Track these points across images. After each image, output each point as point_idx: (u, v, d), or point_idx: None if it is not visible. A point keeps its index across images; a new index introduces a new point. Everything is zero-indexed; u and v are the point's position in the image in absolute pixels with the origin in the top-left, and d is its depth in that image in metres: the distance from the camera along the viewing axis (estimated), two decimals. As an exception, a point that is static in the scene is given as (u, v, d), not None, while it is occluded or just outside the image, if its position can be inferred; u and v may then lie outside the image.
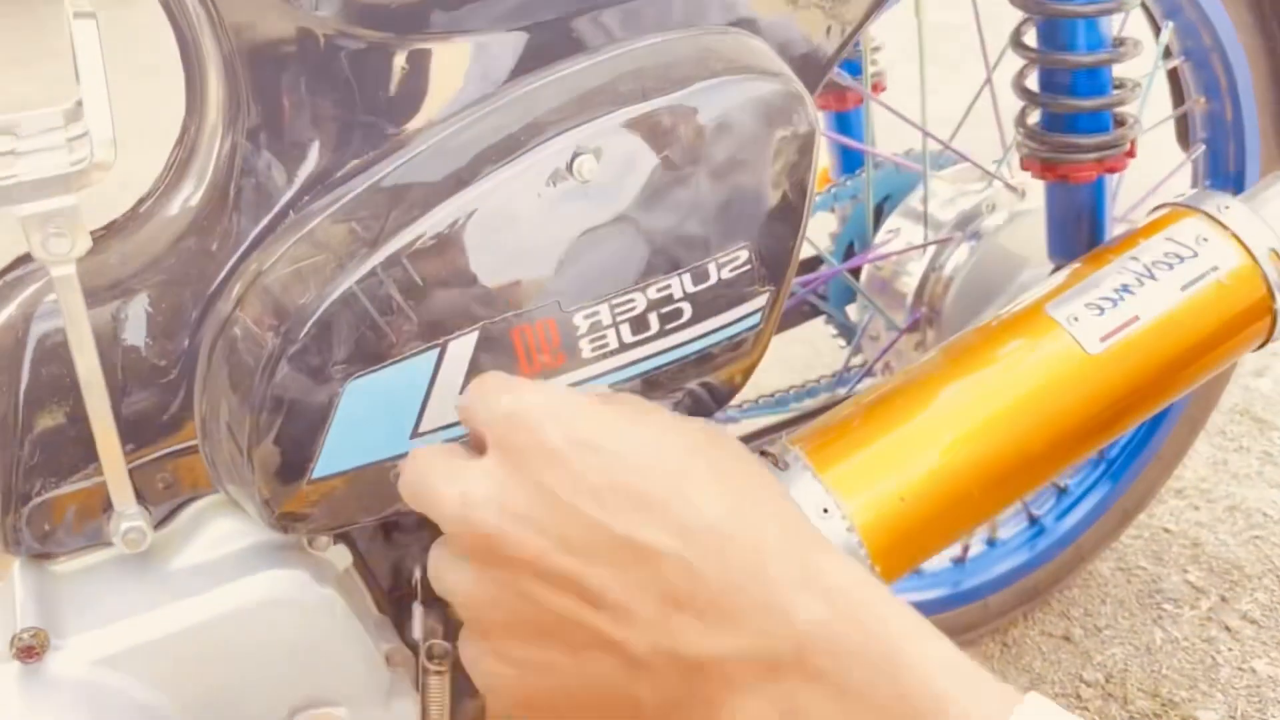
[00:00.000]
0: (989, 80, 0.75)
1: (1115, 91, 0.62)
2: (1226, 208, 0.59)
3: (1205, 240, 0.58)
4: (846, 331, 0.89)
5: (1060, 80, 0.62)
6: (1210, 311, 0.57)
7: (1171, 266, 0.57)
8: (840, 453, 0.55)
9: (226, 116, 0.48)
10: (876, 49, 0.87)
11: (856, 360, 0.88)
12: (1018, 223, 0.78)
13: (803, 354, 1.39)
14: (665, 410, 0.41)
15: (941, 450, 0.55)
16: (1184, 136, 0.91)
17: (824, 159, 0.96)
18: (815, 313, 0.90)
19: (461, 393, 0.45)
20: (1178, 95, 0.88)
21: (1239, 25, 0.81)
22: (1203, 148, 0.88)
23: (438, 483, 0.39)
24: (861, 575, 0.34)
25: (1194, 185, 0.91)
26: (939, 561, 0.94)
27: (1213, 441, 1.20)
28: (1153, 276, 0.57)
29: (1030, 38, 0.63)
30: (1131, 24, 0.80)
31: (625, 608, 0.33)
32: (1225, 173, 0.88)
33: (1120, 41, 0.62)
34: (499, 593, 0.36)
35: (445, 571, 0.39)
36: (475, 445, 0.41)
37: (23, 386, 0.48)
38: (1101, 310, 0.56)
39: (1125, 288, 0.57)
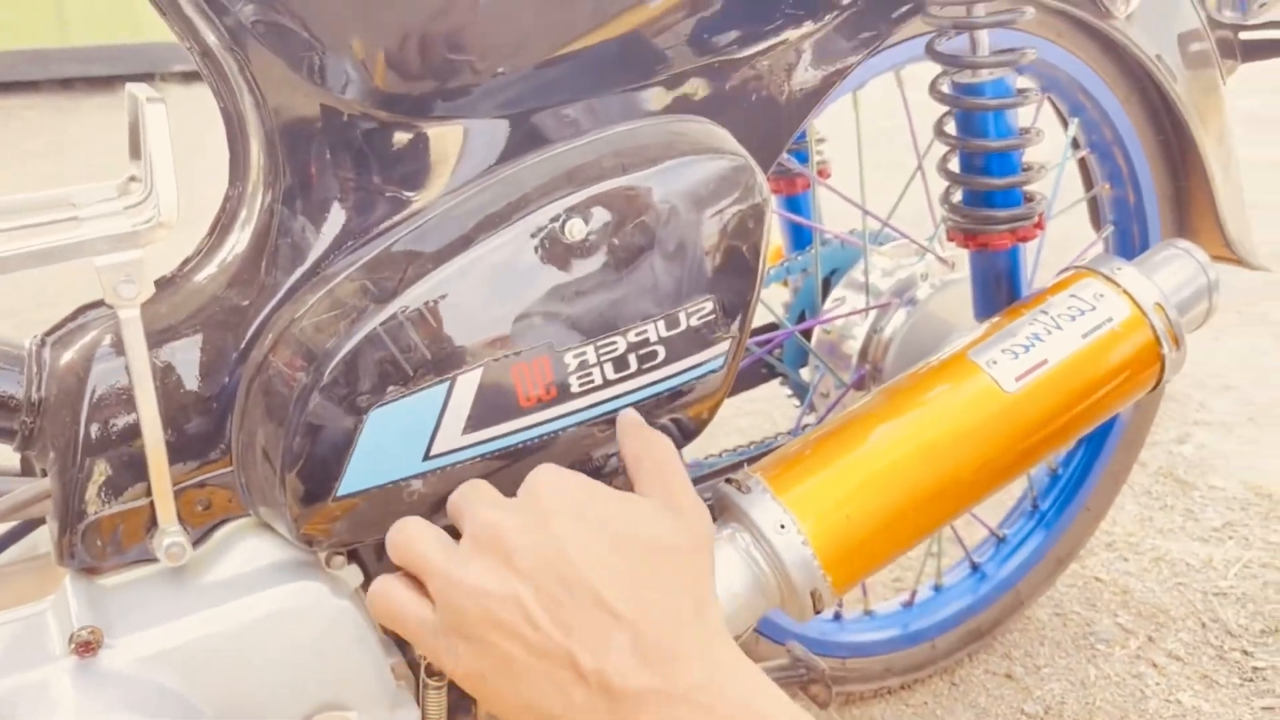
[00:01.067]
0: (920, 167, 0.86)
1: (1024, 172, 0.73)
2: (1119, 269, 0.69)
3: (1102, 296, 0.67)
4: (800, 391, 0.97)
5: (977, 163, 0.73)
6: (1107, 355, 0.66)
7: (1074, 318, 0.66)
8: (795, 478, 0.63)
9: (266, 182, 0.56)
10: (822, 140, 0.98)
11: (810, 419, 0.96)
12: (948, 290, 0.87)
13: (762, 424, 1.48)
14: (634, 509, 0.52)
15: (882, 475, 0.63)
16: (1096, 218, 1.02)
17: (777, 237, 1.06)
18: (773, 374, 0.99)
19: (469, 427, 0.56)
20: (1088, 182, 1.00)
21: (1135, 123, 0.92)
22: (1112, 228, 0.99)
23: (428, 547, 0.51)
24: (739, 657, 0.48)
25: (1106, 261, 1.02)
26: (889, 605, 1.01)
27: (1140, 500, 1.29)
28: (1059, 326, 0.66)
29: (951, 127, 0.74)
30: (1048, 119, 0.92)
31: (583, 632, 0.46)
32: (1132, 251, 0.99)
33: (1026, 130, 0.72)
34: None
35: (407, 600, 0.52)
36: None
37: (83, 420, 0.55)
38: (1016, 355, 0.65)
39: (1036, 336, 0.66)
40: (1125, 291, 0.67)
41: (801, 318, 0.96)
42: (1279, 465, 1.37)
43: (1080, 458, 1.06)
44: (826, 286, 0.96)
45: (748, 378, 0.98)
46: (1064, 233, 1.00)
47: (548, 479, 0.52)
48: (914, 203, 0.95)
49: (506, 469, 0.59)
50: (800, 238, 1.00)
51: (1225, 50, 0.94)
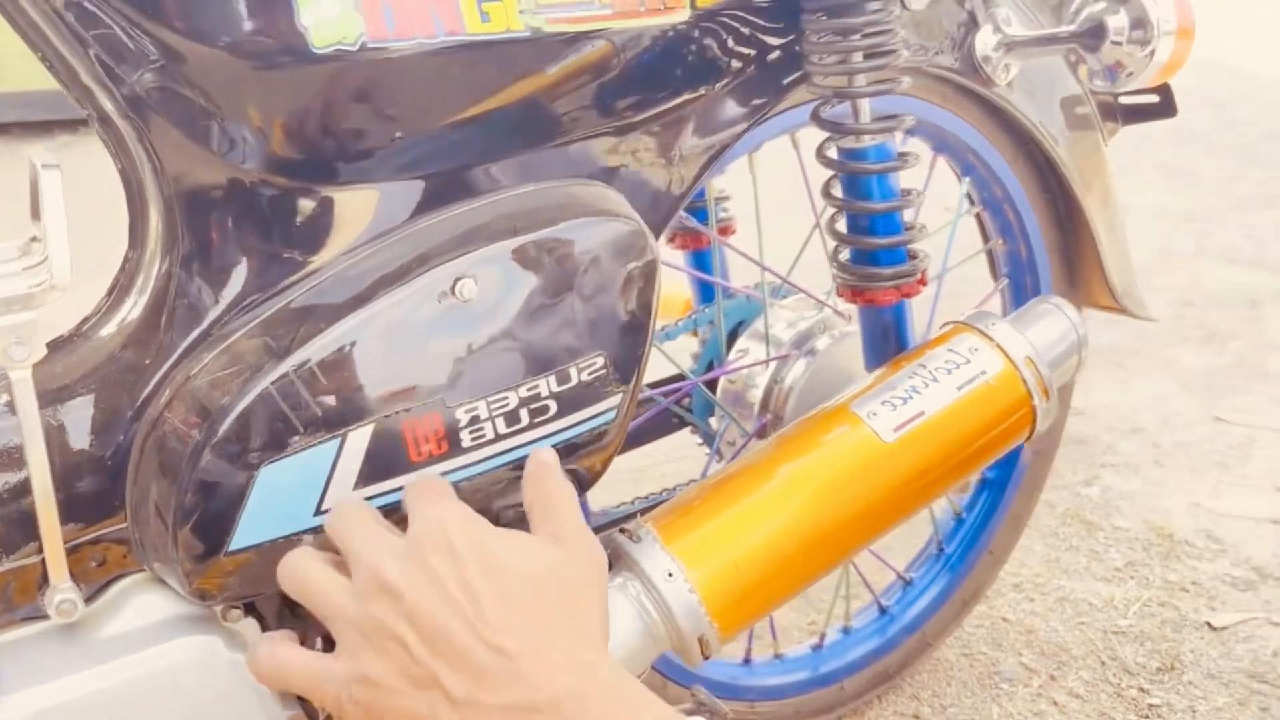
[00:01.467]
0: (817, 225, 0.89)
1: (907, 232, 0.76)
2: (993, 325, 0.72)
3: (976, 350, 0.71)
4: (709, 439, 1.00)
5: (862, 224, 0.76)
6: (981, 407, 0.69)
7: (950, 371, 0.70)
8: (685, 527, 0.65)
9: (164, 246, 0.58)
10: (726, 198, 1.01)
11: (717, 466, 0.99)
12: (844, 342, 0.91)
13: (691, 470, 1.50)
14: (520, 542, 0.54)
15: (767, 524, 0.65)
16: (994, 269, 1.06)
17: (687, 290, 1.09)
18: (683, 423, 1.01)
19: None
20: (985, 236, 1.04)
21: (1023, 182, 0.97)
22: (1007, 280, 1.04)
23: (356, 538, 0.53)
24: (619, 672, 0.51)
25: (1004, 313, 1.06)
26: (799, 649, 1.03)
27: (1047, 542, 1.33)
28: (936, 379, 0.70)
29: (837, 190, 0.77)
30: (946, 177, 0.96)
31: (459, 660, 0.48)
32: (1026, 301, 1.03)
33: (908, 192, 0.76)
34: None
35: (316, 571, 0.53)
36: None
37: (-27, 485, 0.55)
38: (895, 407, 0.68)
39: (914, 389, 0.69)
40: (998, 346, 0.71)
41: (710, 367, 0.99)
42: (1180, 506, 1.42)
43: (983, 502, 1.09)
44: (733, 338, 0.99)
45: (658, 427, 1.01)
46: (984, 281, 1.04)
47: (429, 517, 0.53)
48: (817, 256, 0.98)
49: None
50: (707, 291, 1.03)
51: (1107, 113, 0.99)
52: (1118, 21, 0.78)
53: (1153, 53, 0.78)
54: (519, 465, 0.63)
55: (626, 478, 1.45)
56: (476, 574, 0.50)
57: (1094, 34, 0.80)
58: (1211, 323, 2.01)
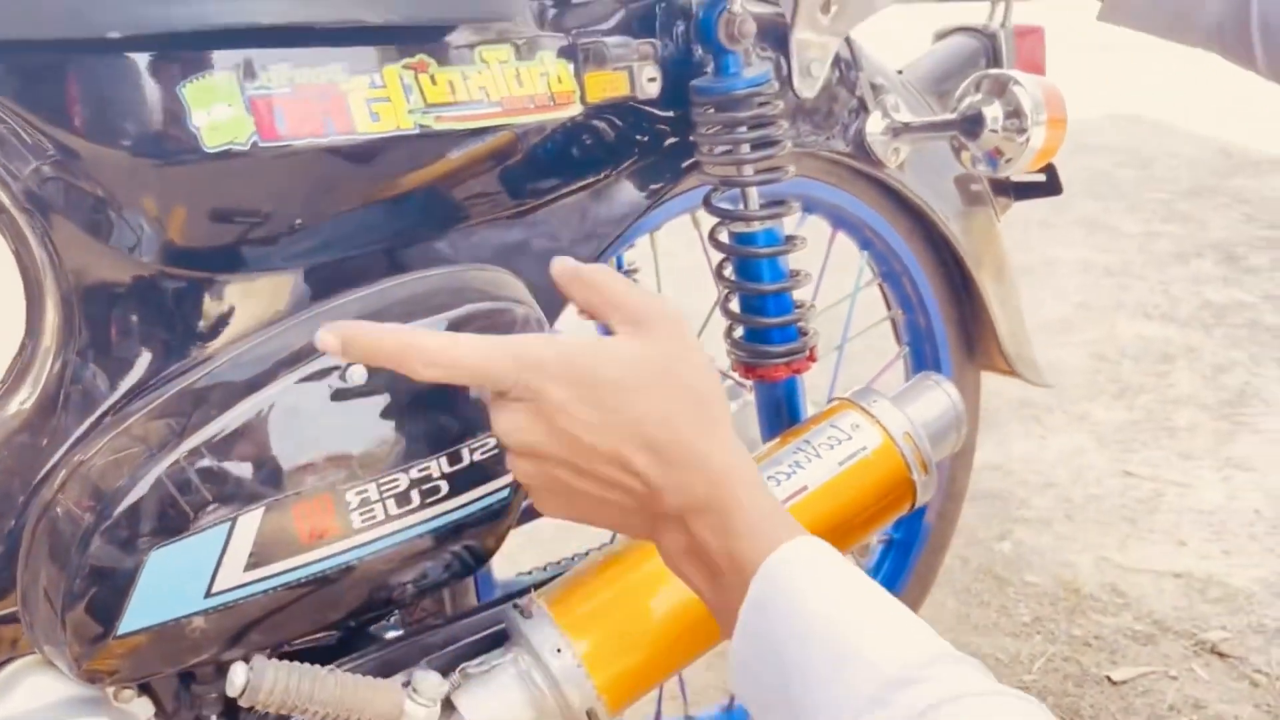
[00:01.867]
0: (718, 301, 0.93)
1: (797, 311, 0.80)
2: (875, 401, 0.76)
3: (858, 426, 0.74)
4: (620, 505, 1.02)
5: (754, 303, 0.79)
6: (861, 481, 0.72)
7: (832, 447, 0.73)
8: (576, 602, 0.67)
9: (60, 339, 0.59)
10: (635, 271, 1.04)
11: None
12: (746, 411, 0.94)
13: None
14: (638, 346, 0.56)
15: (657, 598, 0.67)
16: (897, 338, 1.10)
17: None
18: (595, 490, 1.04)
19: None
20: (888, 306, 1.08)
21: (919, 256, 1.01)
22: (908, 348, 1.08)
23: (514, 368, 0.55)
24: (741, 467, 0.56)
25: (907, 379, 1.10)
26: (709, 710, 1.05)
27: (960, 597, 1.37)
28: (818, 455, 0.73)
29: (730, 271, 0.81)
30: (847, 248, 1.00)
31: (616, 482, 0.55)
32: (926, 368, 1.07)
33: (796, 273, 0.80)
34: (539, 474, 0.56)
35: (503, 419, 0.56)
36: None
37: None
38: (779, 481, 0.71)
39: (797, 463, 0.72)
40: (879, 422, 0.74)
41: (622, 434, 1.01)
42: (1088, 560, 1.46)
43: (890, 563, 1.13)
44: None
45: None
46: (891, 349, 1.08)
47: (529, 387, 0.54)
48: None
49: (292, 603, 0.62)
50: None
51: (1000, 190, 1.04)
52: (994, 111, 0.83)
53: (1028, 140, 0.83)
54: (410, 545, 0.65)
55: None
56: (588, 406, 0.53)
57: (973, 122, 0.84)
58: (1125, 377, 2.08)
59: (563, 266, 0.59)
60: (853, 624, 0.49)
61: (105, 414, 0.60)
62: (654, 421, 0.54)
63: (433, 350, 0.54)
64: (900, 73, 0.97)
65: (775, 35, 0.80)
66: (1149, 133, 4.25)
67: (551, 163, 0.71)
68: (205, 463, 0.58)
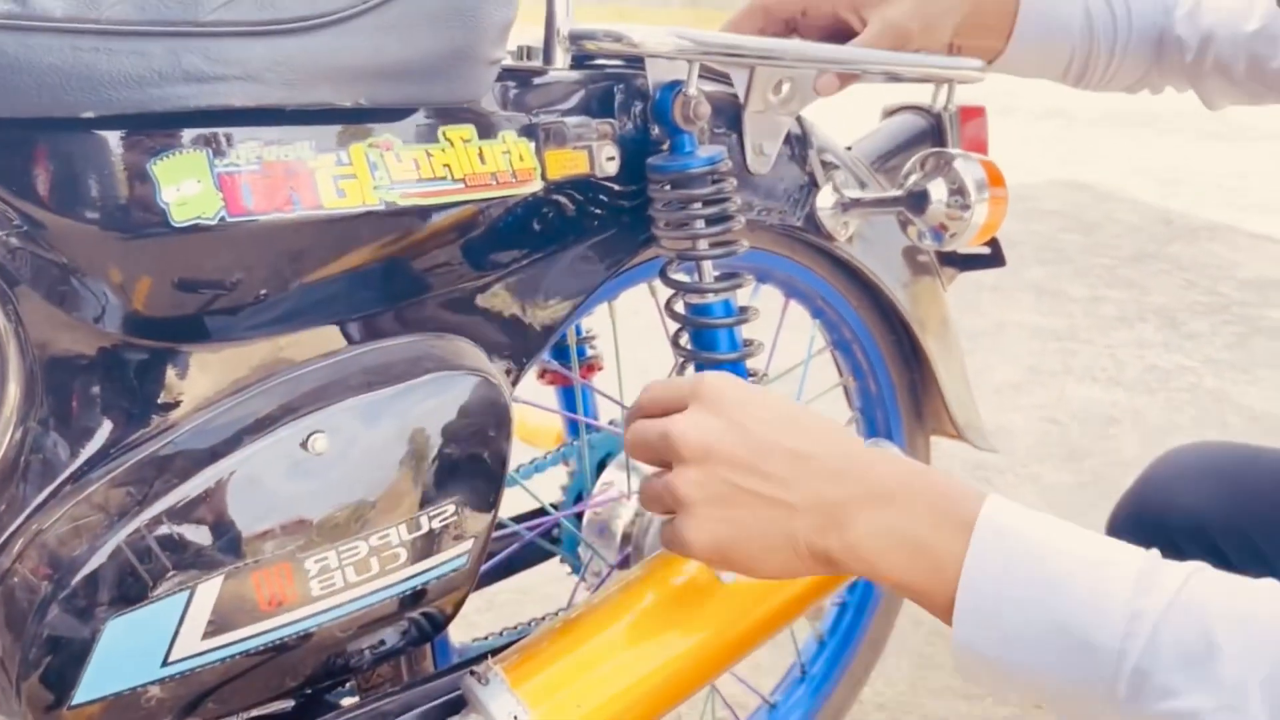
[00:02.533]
0: (675, 369, 0.95)
1: (750, 379, 0.82)
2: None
3: (810, 493, 0.76)
4: (577, 568, 1.03)
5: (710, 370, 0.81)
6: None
7: (785, 513, 0.75)
8: (532, 669, 0.68)
9: (21, 409, 0.59)
10: (593, 337, 1.07)
11: (585, 593, 1.02)
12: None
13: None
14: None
15: (611, 665, 0.68)
16: (849, 403, 1.13)
17: (558, 422, 1.13)
18: (551, 553, 1.05)
19: None
20: (839, 372, 1.11)
21: (869, 324, 1.04)
22: (859, 414, 1.10)
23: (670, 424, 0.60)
24: (892, 458, 0.60)
25: (859, 443, 1.12)
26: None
27: (913, 660, 1.38)
28: (772, 521, 0.74)
29: (685, 341, 0.83)
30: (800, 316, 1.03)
31: (787, 481, 0.57)
32: (878, 435, 1.10)
33: (749, 342, 0.82)
34: (707, 482, 0.58)
35: (680, 422, 0.60)
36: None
37: None
38: (733, 548, 0.73)
39: (751, 530, 0.74)
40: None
41: (579, 498, 1.03)
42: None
43: (844, 626, 1.14)
44: (604, 467, 1.03)
45: (528, 557, 1.03)
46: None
47: (704, 385, 0.60)
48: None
49: (249, 670, 0.62)
50: (576, 425, 1.08)
51: (946, 261, 1.08)
52: (938, 189, 0.87)
53: (971, 216, 0.86)
54: (369, 611, 0.65)
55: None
56: (759, 409, 0.59)
57: (919, 199, 0.88)
58: (1073, 440, 2.12)
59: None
60: (1084, 540, 0.53)
61: (65, 482, 0.61)
62: (803, 414, 0.60)
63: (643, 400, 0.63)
64: (849, 149, 1.01)
65: (728, 114, 0.83)
66: (1091, 199, 4.39)
67: (512, 236, 0.73)
68: (166, 531, 0.58)
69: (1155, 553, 0.52)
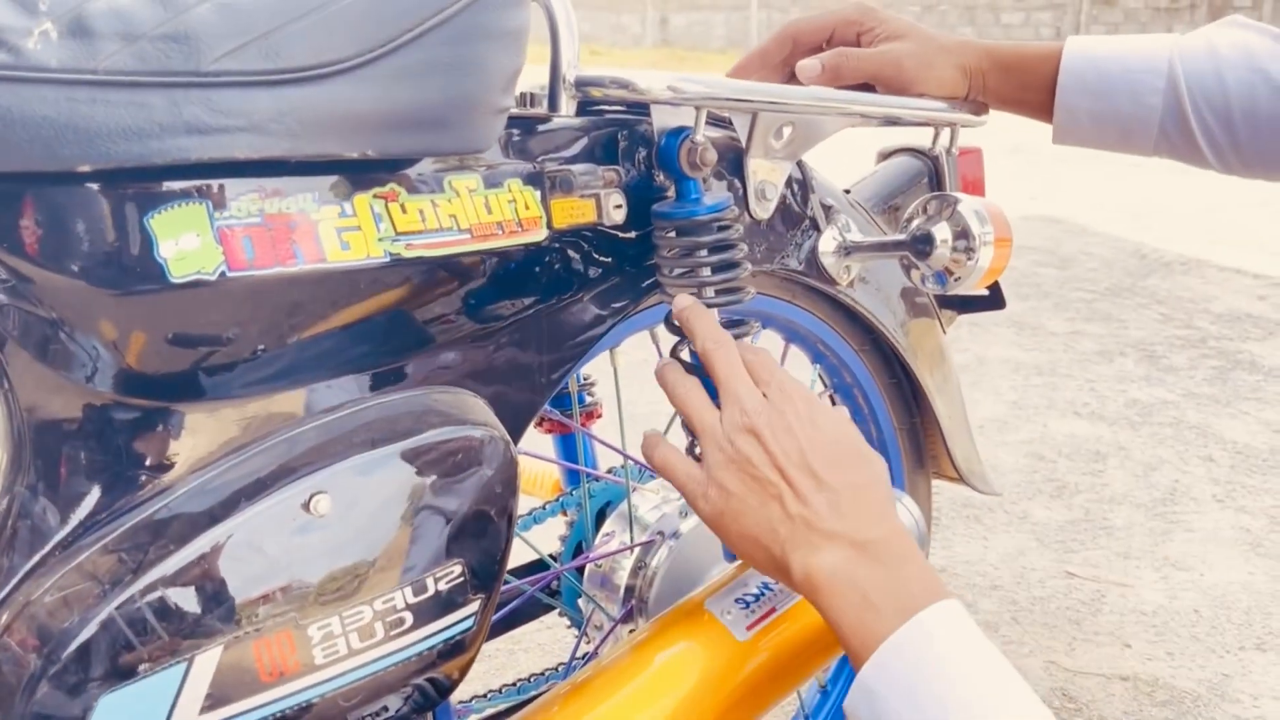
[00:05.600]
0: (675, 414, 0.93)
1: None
2: (839, 519, 0.76)
3: (823, 546, 0.74)
4: (577, 622, 1.00)
5: (716, 420, 0.80)
6: (828, 602, 0.72)
7: (799, 567, 0.73)
8: (544, 737, 0.65)
9: (8, 477, 0.57)
10: (592, 384, 1.05)
11: (586, 647, 0.99)
12: (704, 529, 0.93)
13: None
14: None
15: (627, 729, 0.66)
16: (848, 447, 1.11)
17: (556, 471, 1.11)
18: (551, 607, 1.02)
19: None
20: (838, 416, 1.10)
21: (870, 368, 1.03)
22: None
23: (734, 380, 0.68)
24: (899, 529, 0.64)
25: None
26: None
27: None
28: (785, 576, 0.72)
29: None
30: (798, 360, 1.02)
31: (798, 491, 0.63)
32: (878, 478, 1.08)
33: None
34: (740, 458, 0.65)
35: (748, 396, 0.67)
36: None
37: None
38: (747, 604, 0.71)
39: (765, 585, 0.72)
40: (844, 541, 0.74)
41: (578, 549, 1.00)
42: (1037, 664, 1.47)
43: (846, 674, 1.12)
44: (602, 519, 1.00)
45: (527, 612, 1.01)
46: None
47: (788, 385, 0.67)
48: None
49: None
50: (574, 474, 1.05)
51: (945, 303, 1.07)
52: (943, 232, 0.86)
53: (977, 260, 0.85)
54: (373, 679, 0.63)
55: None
56: (813, 430, 0.65)
57: (923, 243, 0.87)
58: (1061, 476, 2.12)
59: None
60: (987, 700, 0.55)
61: (54, 549, 0.58)
62: (851, 452, 0.66)
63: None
64: (847, 192, 1.00)
65: (730, 159, 0.82)
66: (1065, 234, 4.43)
67: (516, 286, 0.71)
68: (161, 599, 0.56)
69: None
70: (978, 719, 0.54)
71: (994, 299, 1.03)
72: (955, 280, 0.88)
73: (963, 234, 0.86)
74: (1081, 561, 1.77)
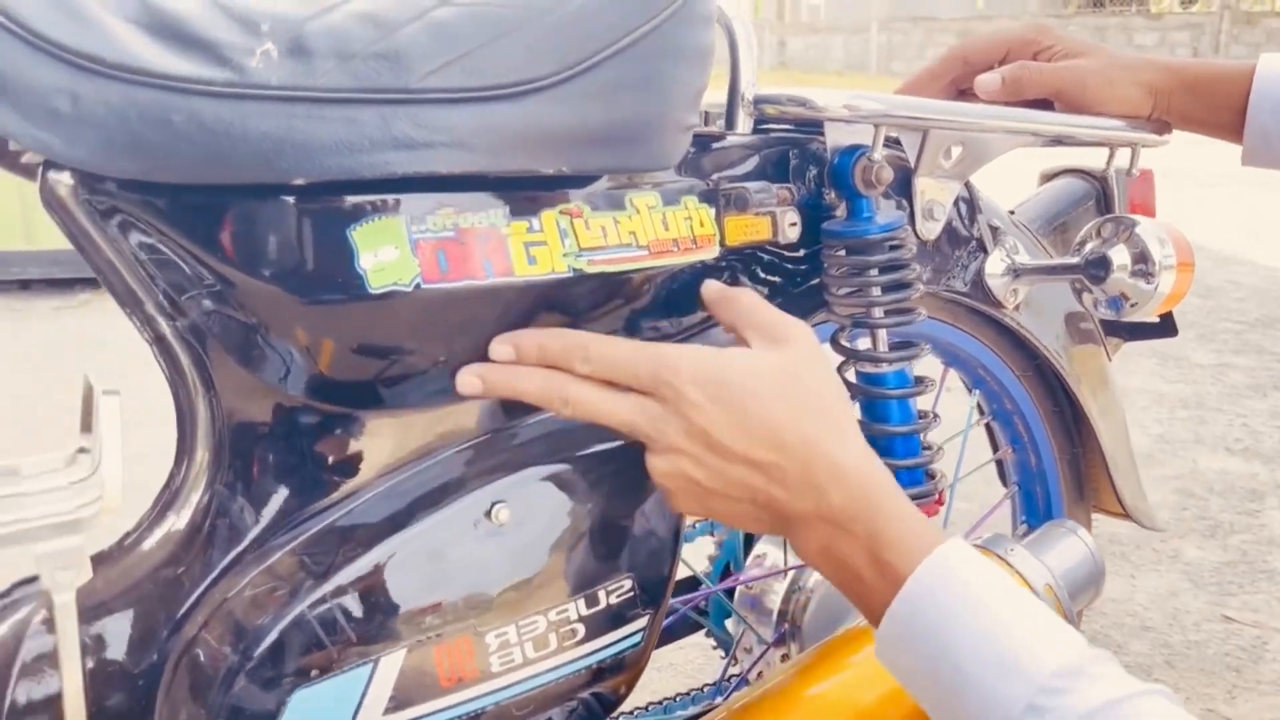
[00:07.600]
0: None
1: (925, 453, 0.78)
2: (1012, 550, 0.73)
3: (996, 576, 0.72)
4: (724, 643, 0.99)
5: (881, 445, 0.78)
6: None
7: (970, 597, 0.70)
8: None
9: (210, 471, 0.60)
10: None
11: (734, 670, 0.98)
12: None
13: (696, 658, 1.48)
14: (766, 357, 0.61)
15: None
16: (1003, 478, 1.08)
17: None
18: (698, 626, 1.01)
19: None
20: (994, 445, 1.06)
21: (1032, 394, 1.00)
22: (1016, 488, 1.05)
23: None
24: (878, 474, 0.60)
25: (1013, 519, 1.07)
26: None
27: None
28: (957, 605, 0.70)
29: (857, 412, 0.80)
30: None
31: (751, 485, 0.59)
32: (1036, 511, 1.05)
33: (925, 414, 0.79)
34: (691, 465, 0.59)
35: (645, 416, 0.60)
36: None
37: (7, 701, 0.55)
38: (917, 633, 0.69)
39: (935, 614, 0.70)
40: (1017, 573, 0.72)
41: (726, 570, 0.99)
42: (1196, 712, 1.39)
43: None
44: (753, 540, 1.00)
45: (674, 631, 1.00)
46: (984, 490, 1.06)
47: (673, 379, 0.59)
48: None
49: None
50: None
51: (1111, 330, 1.03)
52: (1121, 256, 0.83)
53: (1157, 286, 0.82)
54: (544, 689, 0.63)
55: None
56: (720, 406, 0.58)
57: (1098, 266, 0.84)
58: (1214, 514, 2.02)
59: (711, 288, 0.66)
60: (1002, 632, 0.53)
61: (248, 549, 0.60)
62: (784, 426, 0.58)
63: (592, 349, 0.60)
64: (1012, 213, 0.98)
65: (898, 179, 0.81)
66: (1210, 262, 4.23)
67: (686, 301, 0.71)
68: (349, 602, 0.57)
69: (1084, 658, 0.52)
70: (996, 662, 0.52)
71: (1165, 326, 0.99)
72: (1131, 306, 0.85)
73: (1142, 258, 0.83)
74: (1240, 605, 1.68)
